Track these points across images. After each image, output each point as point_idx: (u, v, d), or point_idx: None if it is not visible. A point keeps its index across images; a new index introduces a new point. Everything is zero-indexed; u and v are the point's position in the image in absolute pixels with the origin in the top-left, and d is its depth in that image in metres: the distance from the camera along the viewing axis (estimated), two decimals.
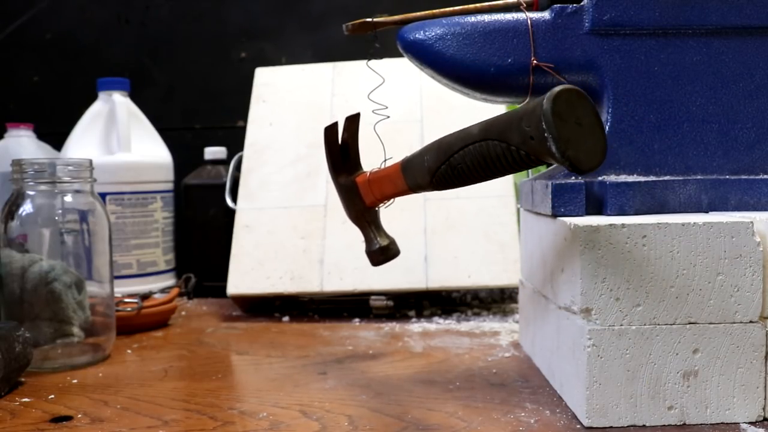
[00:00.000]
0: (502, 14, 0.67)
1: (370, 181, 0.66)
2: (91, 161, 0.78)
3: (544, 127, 0.44)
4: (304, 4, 1.37)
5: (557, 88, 0.45)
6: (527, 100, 0.67)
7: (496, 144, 0.49)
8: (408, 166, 0.62)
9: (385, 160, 0.67)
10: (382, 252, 0.67)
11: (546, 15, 0.66)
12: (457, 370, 0.71)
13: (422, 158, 0.59)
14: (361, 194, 0.67)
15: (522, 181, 0.76)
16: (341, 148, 0.68)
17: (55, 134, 1.26)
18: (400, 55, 0.70)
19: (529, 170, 1.10)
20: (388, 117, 0.71)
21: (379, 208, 0.68)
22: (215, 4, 1.39)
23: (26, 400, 0.64)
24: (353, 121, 0.69)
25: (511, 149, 0.48)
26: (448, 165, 0.55)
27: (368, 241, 0.68)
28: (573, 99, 0.45)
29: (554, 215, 0.62)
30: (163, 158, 1.18)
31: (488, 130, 0.51)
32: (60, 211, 0.76)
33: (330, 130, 0.68)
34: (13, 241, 0.75)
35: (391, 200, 0.67)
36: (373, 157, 0.72)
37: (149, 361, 0.78)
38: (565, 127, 0.44)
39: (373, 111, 0.71)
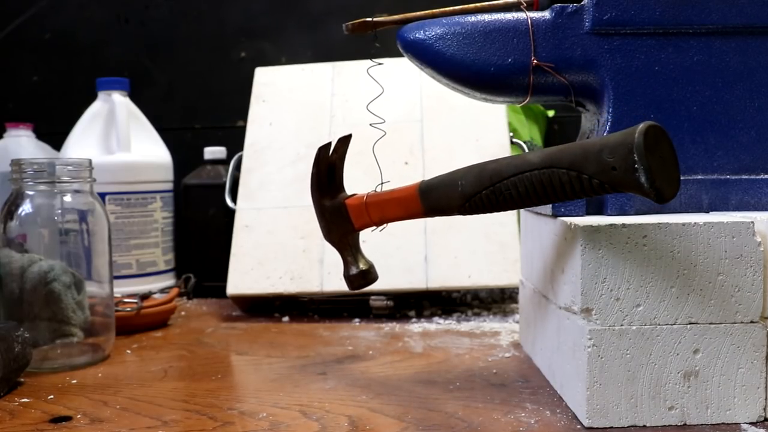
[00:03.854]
0: (502, 14, 0.67)
1: (367, 204, 0.65)
2: (90, 161, 0.78)
3: (635, 159, 0.47)
4: (303, 3, 1.37)
5: (644, 125, 0.48)
6: (527, 99, 0.67)
7: (563, 172, 0.51)
8: (429, 189, 0.61)
9: (381, 183, 0.67)
10: (363, 276, 0.67)
11: (546, 15, 0.66)
12: (457, 371, 0.70)
13: (454, 182, 0.58)
14: (350, 217, 0.66)
15: None
16: (328, 169, 0.68)
17: (54, 134, 1.26)
18: (400, 55, 0.70)
19: None
20: (385, 134, 0.71)
21: (363, 230, 0.68)
22: (215, 4, 1.39)
23: (25, 400, 0.64)
24: (344, 142, 0.68)
25: (582, 177, 0.50)
26: (492, 191, 0.55)
27: (348, 264, 0.68)
28: (658, 134, 0.48)
29: (554, 215, 0.62)
30: (163, 158, 1.18)
31: (554, 158, 0.52)
32: (59, 211, 0.76)
33: (323, 150, 0.67)
34: (12, 241, 0.74)
35: (385, 225, 0.66)
36: (369, 160, 0.72)
37: (149, 361, 0.78)
38: (654, 160, 0.47)
39: (370, 124, 0.71)
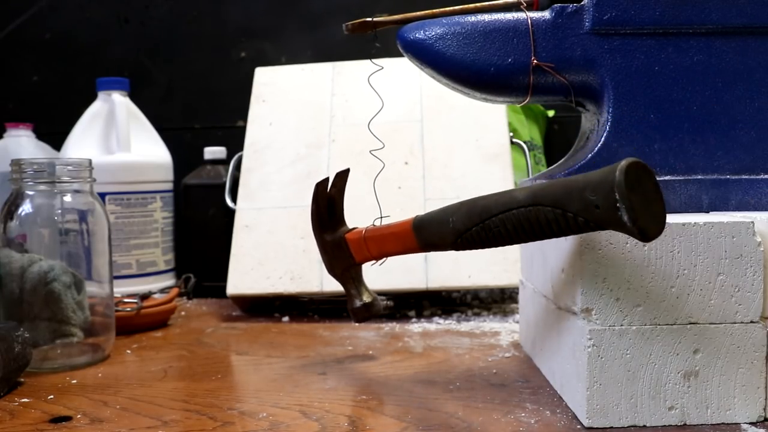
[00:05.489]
0: (502, 14, 0.67)
1: (366, 238, 0.65)
2: (90, 161, 0.78)
3: (617, 197, 0.45)
4: (304, 3, 1.37)
5: (625, 162, 0.47)
6: (527, 99, 0.67)
7: (548, 210, 0.50)
8: (422, 225, 0.61)
9: (381, 218, 0.67)
10: (367, 309, 0.68)
11: (546, 15, 0.66)
12: (457, 371, 0.70)
13: (446, 219, 0.58)
14: (351, 251, 0.66)
15: (522, 181, 0.76)
16: (328, 203, 0.68)
17: (54, 134, 1.26)
18: (400, 55, 0.70)
19: (529, 170, 1.10)
20: (384, 165, 0.72)
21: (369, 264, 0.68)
22: (215, 4, 1.39)
23: (25, 400, 0.64)
24: (342, 177, 0.69)
25: (567, 215, 0.49)
26: (482, 228, 0.55)
27: (351, 297, 0.69)
28: (640, 171, 0.47)
29: None
30: (163, 158, 1.18)
31: (538, 196, 0.51)
32: (59, 211, 0.76)
33: (321, 186, 0.67)
34: (12, 241, 0.74)
35: (385, 258, 0.66)
36: (370, 160, 0.72)
37: (149, 361, 0.78)
38: (636, 198, 0.46)
39: (370, 151, 0.71)
